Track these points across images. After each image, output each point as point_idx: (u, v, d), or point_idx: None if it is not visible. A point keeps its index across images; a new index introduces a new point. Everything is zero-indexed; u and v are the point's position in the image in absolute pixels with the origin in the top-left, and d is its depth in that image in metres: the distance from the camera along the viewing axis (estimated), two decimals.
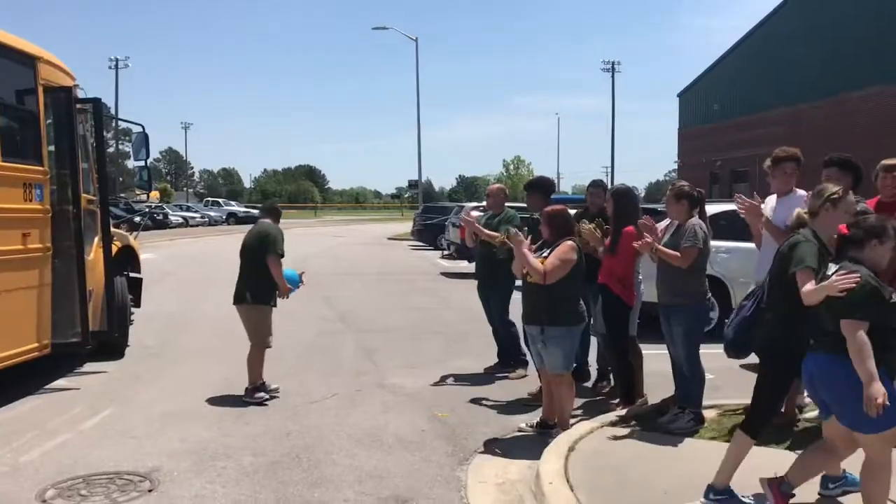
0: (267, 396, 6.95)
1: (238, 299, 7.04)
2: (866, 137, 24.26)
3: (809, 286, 3.92)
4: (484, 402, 6.98)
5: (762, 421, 4.35)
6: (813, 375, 4.00)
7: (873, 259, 3.90)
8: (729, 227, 8.53)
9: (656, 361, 6.77)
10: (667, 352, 6.11)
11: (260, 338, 7.01)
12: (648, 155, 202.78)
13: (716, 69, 39.54)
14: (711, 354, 5.81)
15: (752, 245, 6.01)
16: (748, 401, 4.51)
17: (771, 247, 5.66)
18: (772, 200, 5.88)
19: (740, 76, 36.28)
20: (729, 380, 6.99)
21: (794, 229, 4.33)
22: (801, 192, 5.65)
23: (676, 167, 47.43)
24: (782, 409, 5.41)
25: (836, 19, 29.29)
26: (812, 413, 5.49)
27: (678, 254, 5.63)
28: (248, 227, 7.74)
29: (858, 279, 3.75)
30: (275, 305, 7.12)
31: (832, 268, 3.94)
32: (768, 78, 33.57)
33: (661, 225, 6.30)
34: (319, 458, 5.43)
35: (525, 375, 7.71)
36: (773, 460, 4.65)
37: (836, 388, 3.88)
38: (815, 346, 3.97)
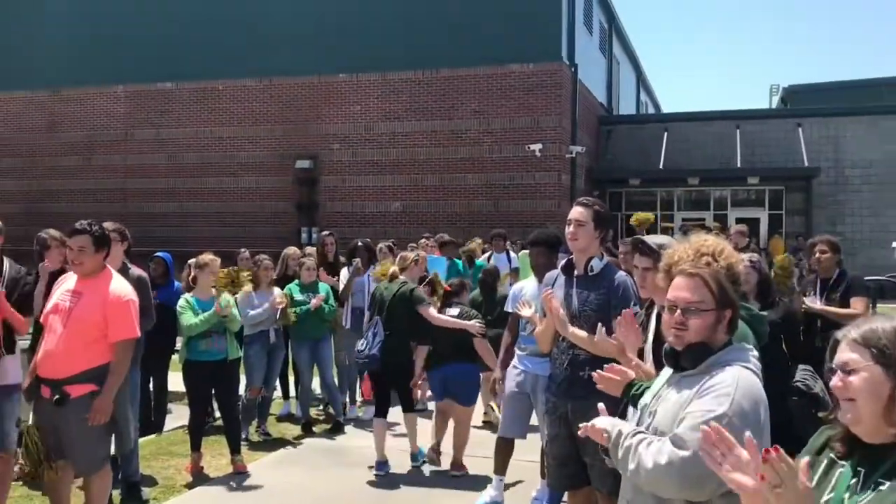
0: None
1: None
2: None
3: (438, 314, 6.37)
4: None
5: (412, 402, 6.63)
6: (447, 378, 6.39)
7: (465, 302, 6.84)
8: None
9: None
10: None
11: None
12: None
13: None
14: None
15: None
16: None
17: None
18: None
19: None
20: None
21: (393, 278, 6.55)
22: None
23: None
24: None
25: None
26: None
27: None
28: None
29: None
30: None
31: (453, 310, 6.46)
32: None
33: None
34: None
35: None
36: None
37: (461, 384, 6.38)
38: (448, 357, 6.37)
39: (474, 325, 6.23)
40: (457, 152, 19.68)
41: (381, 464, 6.35)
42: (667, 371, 2.65)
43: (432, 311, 6.35)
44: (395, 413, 8.68)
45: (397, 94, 20.02)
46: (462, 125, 19.67)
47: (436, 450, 6.54)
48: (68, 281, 4.57)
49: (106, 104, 22.05)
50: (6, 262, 4.82)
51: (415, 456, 6.57)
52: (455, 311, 6.45)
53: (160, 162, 21.59)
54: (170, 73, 21.20)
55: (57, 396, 4.23)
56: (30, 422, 4.79)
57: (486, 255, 11.81)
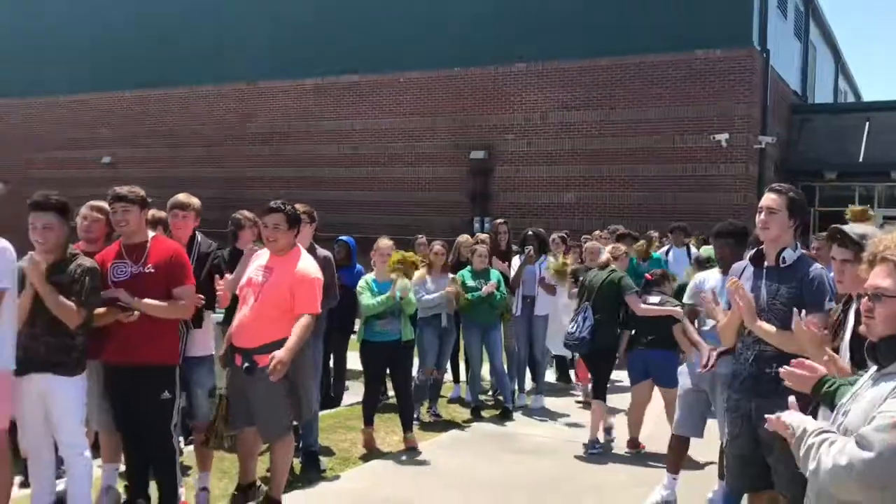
0: None
1: None
2: None
3: (642, 304, 6.54)
4: None
5: (604, 389, 6.80)
6: (649, 362, 6.56)
7: (667, 292, 6.76)
8: None
9: None
10: None
11: None
12: None
13: None
14: None
15: None
16: None
17: None
18: None
19: None
20: None
21: (604, 266, 6.92)
22: None
23: None
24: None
25: None
26: None
27: None
28: None
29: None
30: None
31: (654, 298, 6.60)
32: None
33: None
34: None
35: None
36: None
37: (662, 369, 6.41)
38: (650, 344, 6.53)
39: (676, 309, 6.30)
40: (634, 142, 19.06)
41: (593, 442, 6.67)
42: (871, 368, 2.42)
43: (637, 302, 6.57)
44: (558, 404, 8.60)
45: (575, 82, 19.67)
46: (641, 114, 19.02)
47: (634, 444, 6.76)
48: (262, 257, 4.87)
49: (296, 96, 23.27)
50: (198, 236, 5.21)
51: (592, 444, 6.67)
52: (656, 298, 6.64)
53: (343, 152, 22.50)
54: (353, 66, 22.01)
55: (247, 365, 4.51)
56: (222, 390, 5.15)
57: (665, 248, 11.41)
